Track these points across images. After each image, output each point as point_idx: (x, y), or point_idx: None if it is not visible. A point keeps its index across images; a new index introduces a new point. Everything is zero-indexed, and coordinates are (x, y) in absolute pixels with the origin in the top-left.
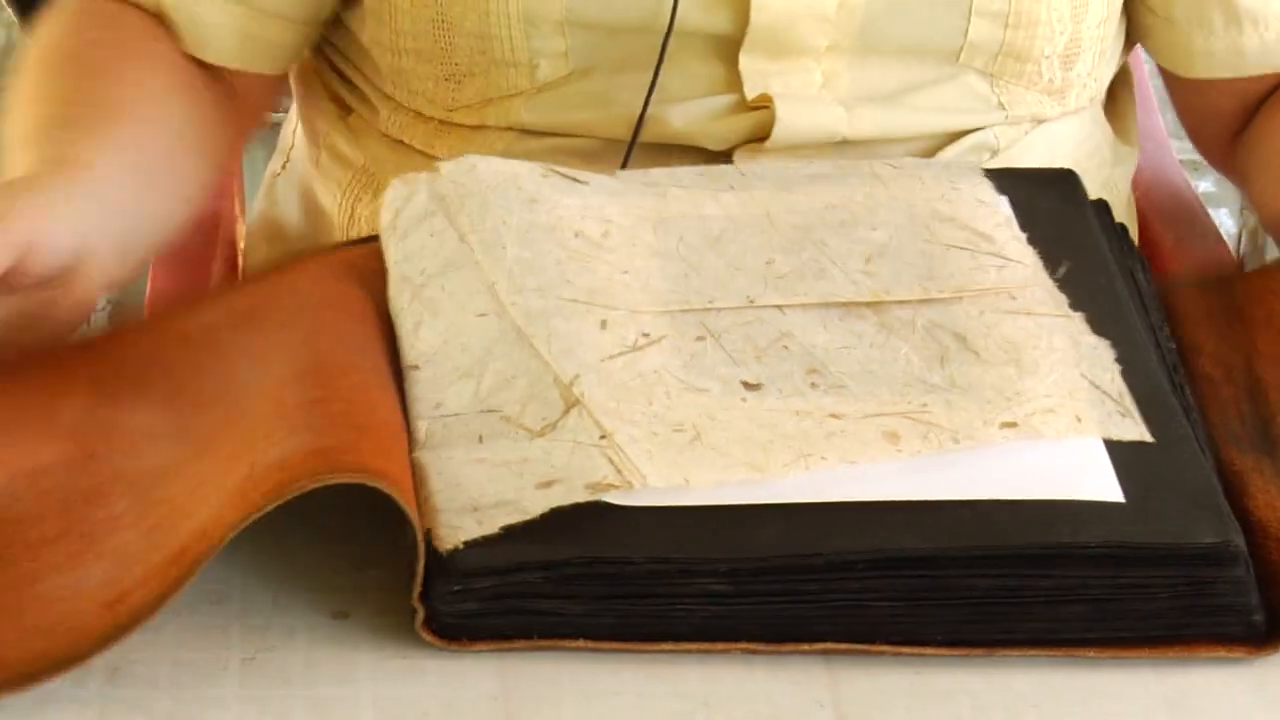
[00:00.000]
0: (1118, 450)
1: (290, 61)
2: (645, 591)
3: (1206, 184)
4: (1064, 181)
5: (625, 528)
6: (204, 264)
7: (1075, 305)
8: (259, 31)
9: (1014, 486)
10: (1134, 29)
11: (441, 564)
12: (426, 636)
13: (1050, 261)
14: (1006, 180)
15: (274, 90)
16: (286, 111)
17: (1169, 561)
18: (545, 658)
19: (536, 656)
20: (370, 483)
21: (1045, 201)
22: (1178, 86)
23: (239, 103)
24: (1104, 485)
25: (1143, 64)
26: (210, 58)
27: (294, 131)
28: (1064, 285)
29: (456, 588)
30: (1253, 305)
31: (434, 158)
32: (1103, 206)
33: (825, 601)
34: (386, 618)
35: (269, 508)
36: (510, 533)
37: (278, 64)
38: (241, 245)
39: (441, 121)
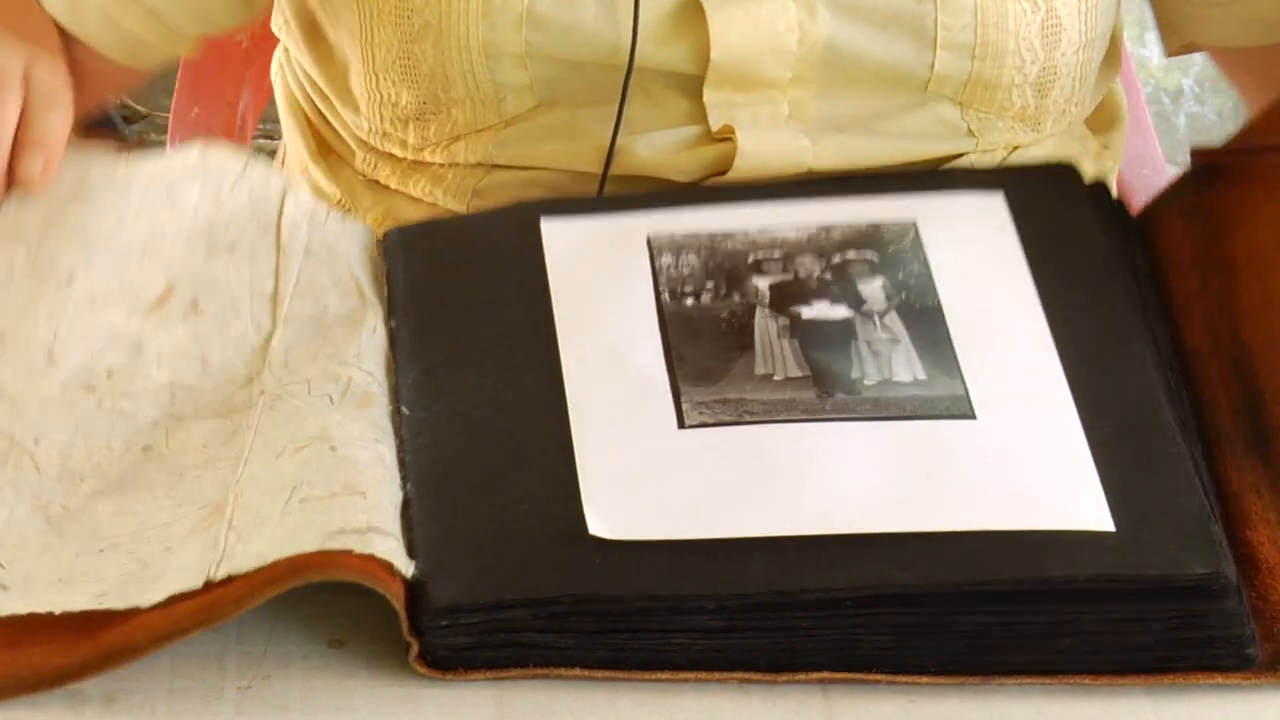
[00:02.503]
0: (1109, 473)
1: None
2: (637, 626)
3: None
4: (1061, 175)
5: (613, 563)
6: None
7: (1073, 313)
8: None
9: (1004, 516)
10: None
11: (429, 599)
12: (421, 670)
13: (1046, 263)
14: (1002, 178)
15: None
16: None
17: (1160, 595)
18: (541, 686)
19: (533, 685)
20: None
21: (1042, 198)
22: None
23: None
24: (1095, 514)
25: (1139, 88)
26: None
27: (283, 151)
28: (1062, 292)
29: (444, 623)
30: (1233, 236)
31: (408, 195)
32: (1100, 191)
33: (817, 635)
34: (383, 646)
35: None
36: (497, 567)
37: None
38: None
39: (413, 161)
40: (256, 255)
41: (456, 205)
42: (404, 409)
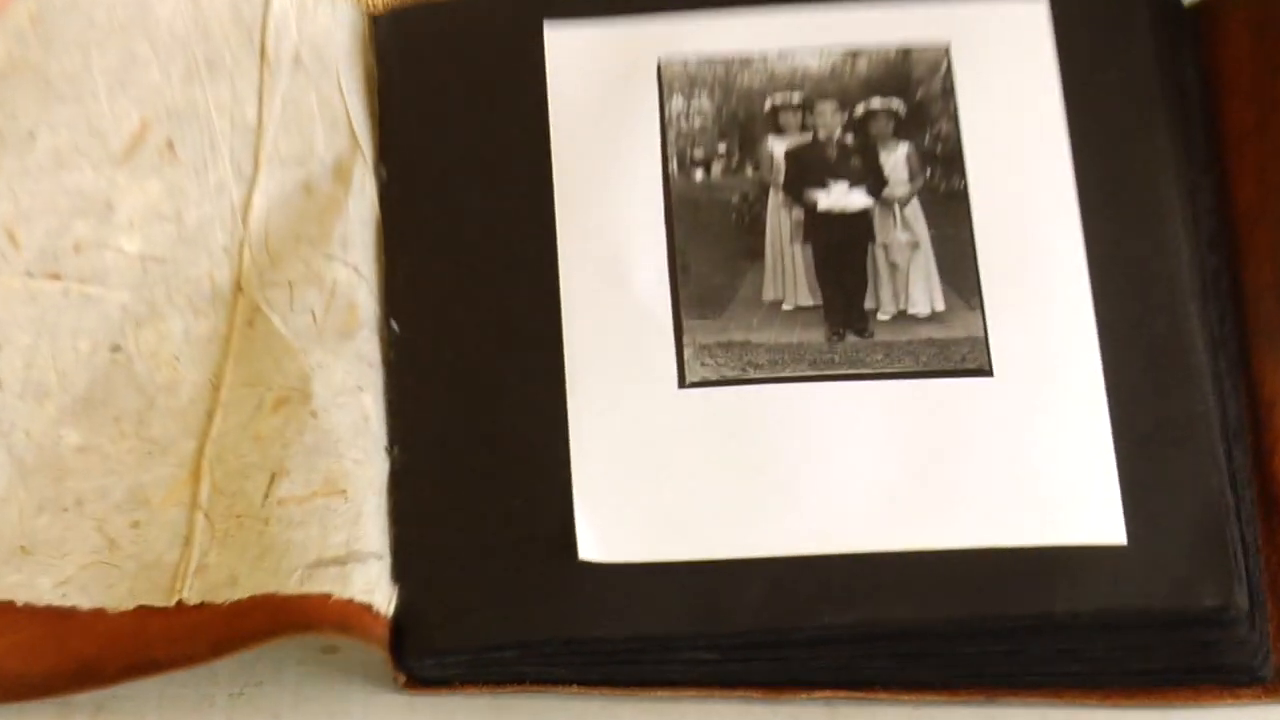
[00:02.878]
0: (1127, 453)
1: None
2: (631, 660)
3: None
4: None
5: (598, 596)
6: None
7: (1108, 186)
8: None
9: (1013, 530)
10: None
11: (412, 641)
12: (413, 692)
13: (1085, 106)
14: None
15: None
16: None
17: (1168, 625)
18: (538, 696)
19: (529, 695)
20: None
21: (1091, 7)
22: None
23: None
24: (1108, 525)
25: None
26: None
27: None
28: (1100, 149)
29: (429, 661)
30: None
31: None
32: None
33: (816, 663)
34: (377, 652)
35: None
36: (483, 604)
37: None
38: None
39: None
40: (238, 72)
41: None
42: (394, 324)
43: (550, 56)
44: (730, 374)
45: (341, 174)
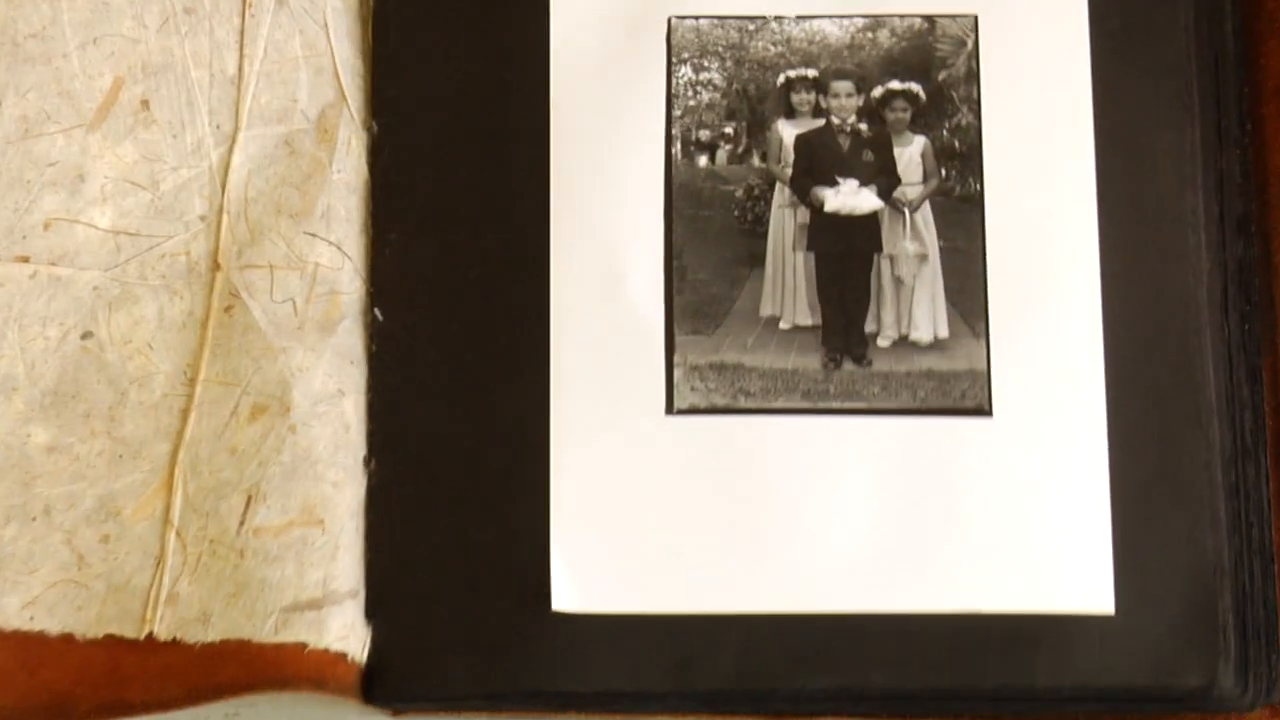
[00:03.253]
0: (1122, 510)
1: None
2: (604, 708)
3: None
4: None
5: (569, 649)
6: None
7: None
8: None
9: (999, 594)
10: None
11: (381, 687)
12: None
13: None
14: None
15: None
16: None
17: (1152, 700)
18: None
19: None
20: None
21: None
22: None
23: None
24: (1097, 590)
25: None
26: None
27: None
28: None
29: (400, 705)
30: None
31: None
32: None
33: (795, 716)
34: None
35: None
36: (453, 654)
37: None
38: None
39: None
40: (218, 17)
41: None
42: (378, 313)
43: (555, 4)
44: (720, 401)
45: (326, 130)
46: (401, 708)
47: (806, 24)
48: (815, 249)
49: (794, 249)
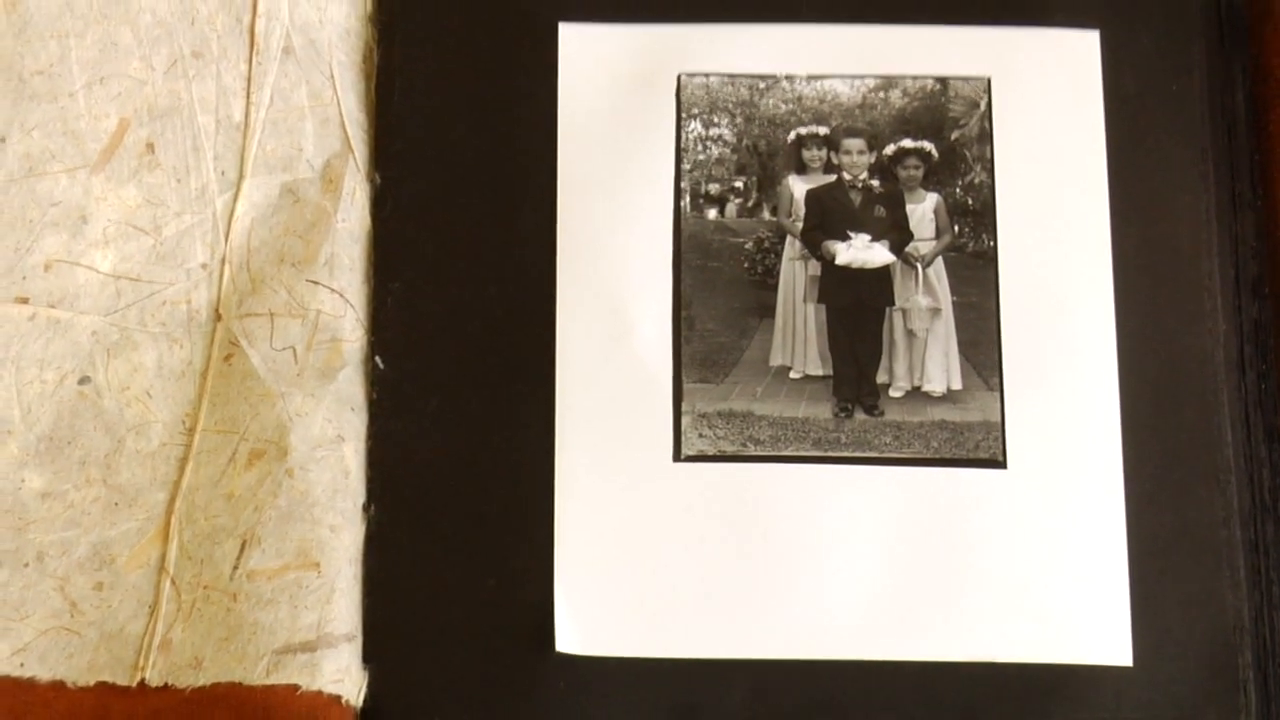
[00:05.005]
0: (1140, 562)
1: None
2: None
3: None
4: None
5: (572, 692)
6: None
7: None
8: None
9: (1013, 644)
10: None
11: None
12: None
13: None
14: (1103, 13)
15: None
16: None
17: None
18: None
19: None
20: None
21: (1143, 36)
22: None
23: None
24: (1115, 643)
25: None
26: None
27: None
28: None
29: None
30: None
31: None
32: (1211, 11)
33: None
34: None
35: None
36: (448, 694)
37: None
38: None
39: None
40: (225, 63)
41: None
42: (379, 361)
43: (564, 58)
44: (729, 448)
45: (331, 180)
46: None
47: (818, 83)
48: (826, 301)
49: (805, 300)
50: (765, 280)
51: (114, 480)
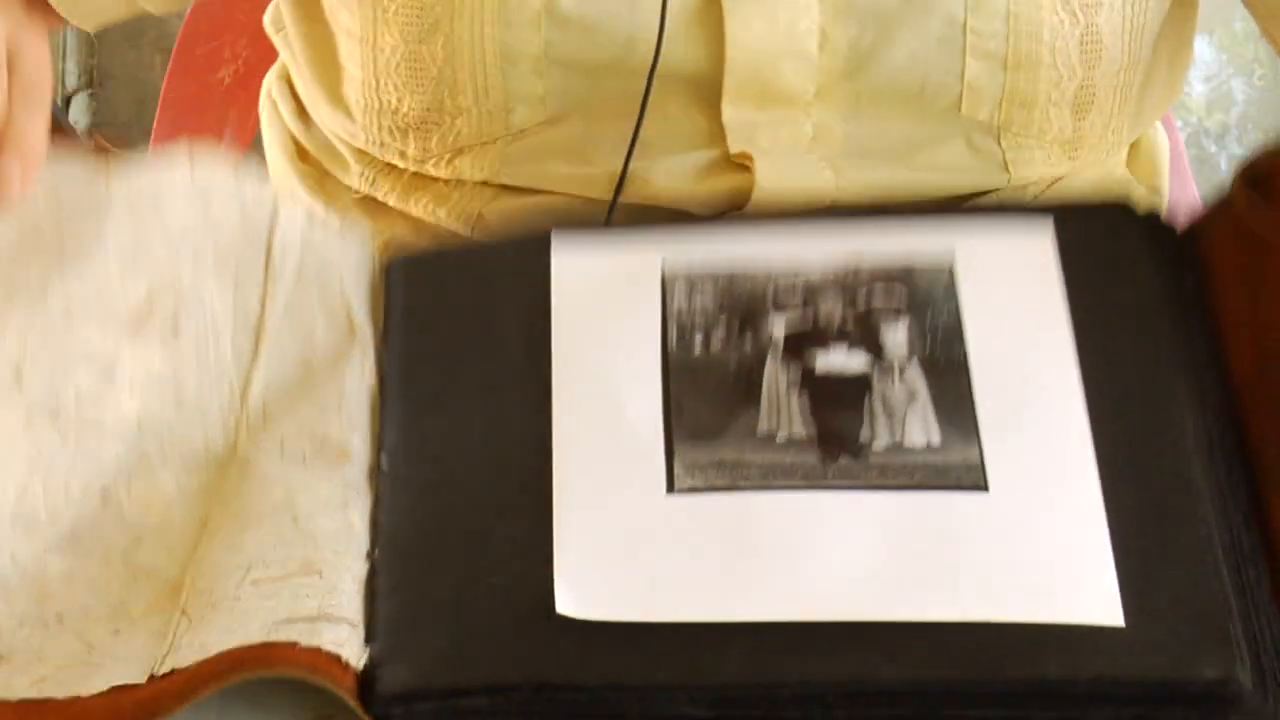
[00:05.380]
0: (1125, 559)
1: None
2: (612, 713)
3: None
4: (1114, 208)
5: (578, 648)
6: None
7: (1112, 368)
8: None
9: (1007, 607)
10: None
11: (382, 684)
12: None
13: (1089, 309)
14: (1054, 214)
15: None
16: None
17: (1169, 699)
18: None
19: None
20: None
21: (1093, 233)
22: None
23: None
24: (1105, 607)
25: (1177, 131)
26: None
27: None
28: (1101, 347)
29: (398, 711)
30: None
31: (409, 215)
32: (1156, 223)
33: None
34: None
35: None
36: (455, 650)
37: None
38: None
39: (415, 174)
40: (244, 277)
41: (460, 228)
42: (384, 462)
43: (556, 270)
44: (720, 484)
45: (340, 359)
46: (399, 709)
47: (792, 265)
48: (808, 391)
49: (787, 392)
50: (750, 380)
51: (133, 563)
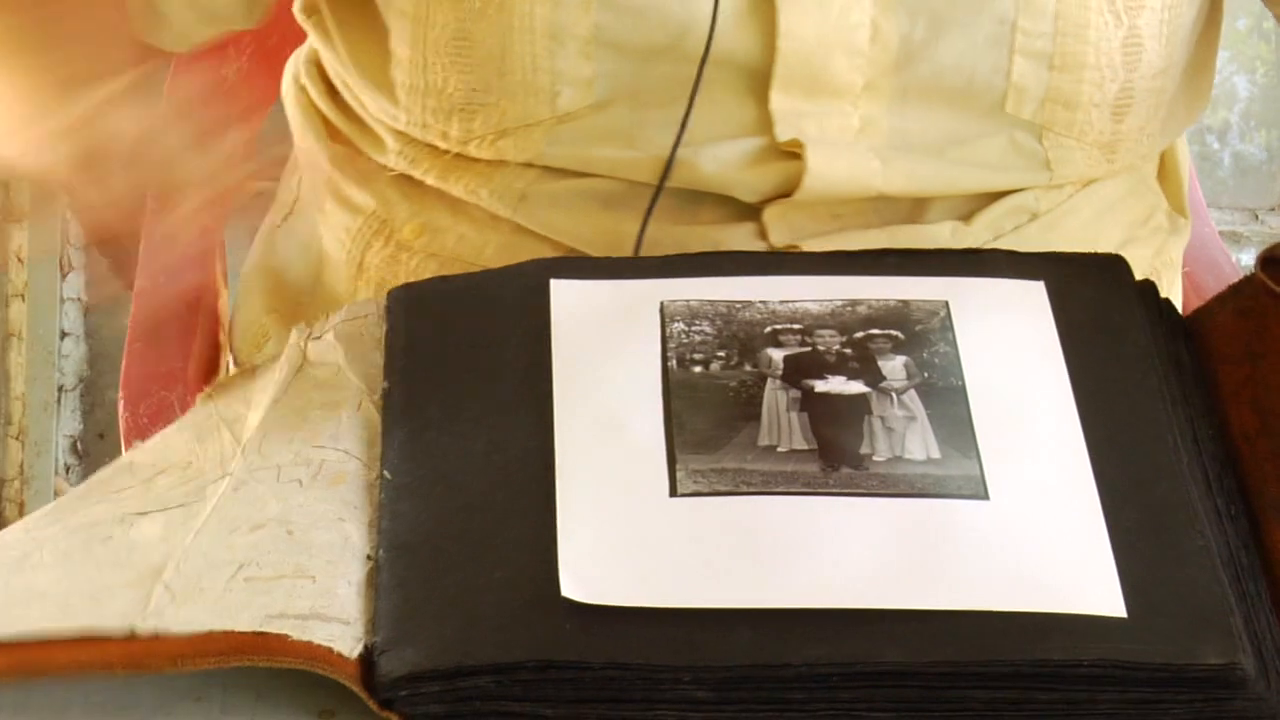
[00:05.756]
0: (1126, 560)
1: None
2: (617, 696)
3: (1247, 257)
4: (1110, 266)
5: (583, 629)
6: (185, 338)
7: (1106, 402)
8: None
9: (1009, 597)
10: None
11: (386, 668)
12: None
13: (1082, 353)
14: (1045, 265)
15: None
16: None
17: (1174, 683)
18: None
19: None
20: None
21: (1085, 289)
22: None
23: None
24: (1106, 599)
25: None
26: None
27: (297, 184)
28: (1097, 384)
29: (404, 692)
30: None
31: (449, 195)
32: (1148, 288)
33: (814, 710)
34: (376, 715)
35: None
36: (460, 634)
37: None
38: (225, 318)
39: (457, 155)
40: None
41: (503, 209)
42: (386, 473)
43: (555, 300)
44: (722, 488)
45: (335, 403)
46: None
47: (790, 305)
48: (808, 410)
49: (787, 411)
50: (750, 400)
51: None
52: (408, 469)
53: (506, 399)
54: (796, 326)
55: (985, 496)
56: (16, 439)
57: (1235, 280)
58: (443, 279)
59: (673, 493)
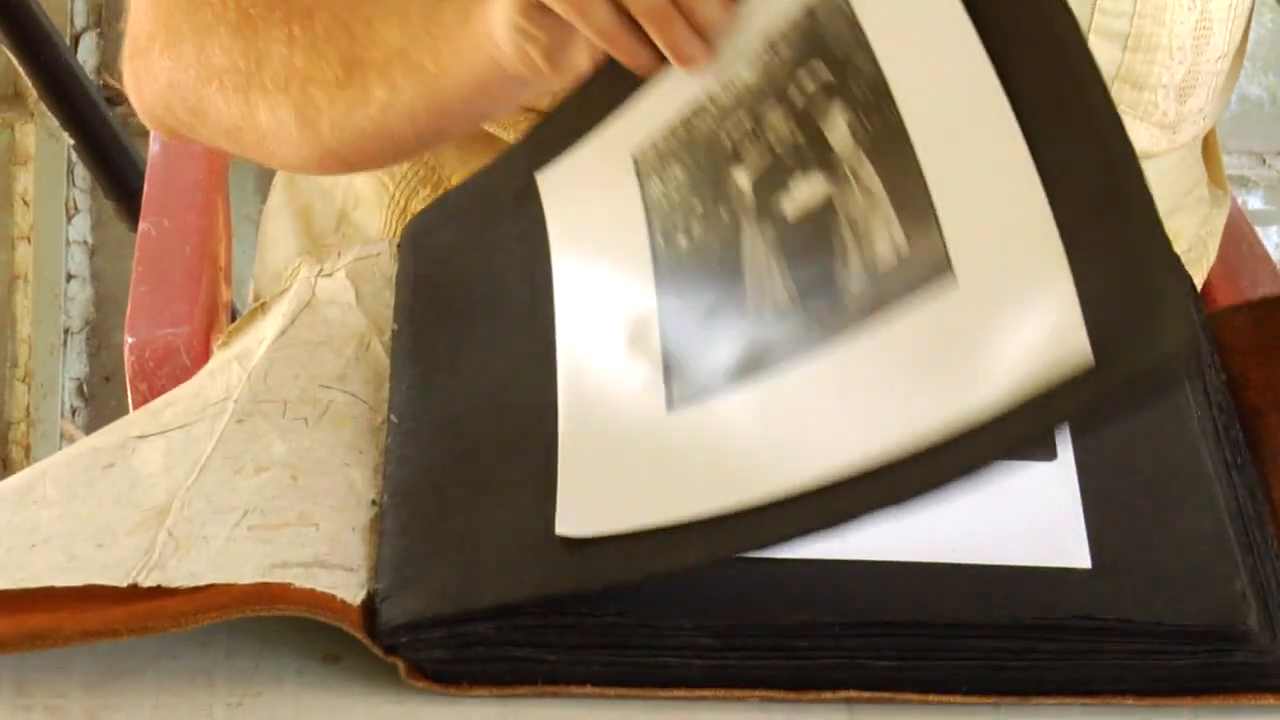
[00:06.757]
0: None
1: None
2: (621, 643)
3: (1255, 200)
4: None
5: (583, 570)
6: (190, 281)
7: None
8: None
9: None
10: None
11: (388, 616)
12: (419, 684)
13: None
14: None
15: None
16: None
17: (1177, 634)
18: (549, 702)
19: (540, 701)
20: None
21: None
22: None
23: None
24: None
25: None
26: None
27: None
28: None
29: (404, 639)
30: None
31: (501, 142)
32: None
33: (819, 659)
34: (380, 661)
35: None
36: (460, 579)
37: None
38: (223, 263)
39: None
40: None
41: None
42: (393, 417)
43: (546, 198)
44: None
45: (345, 339)
46: (405, 638)
47: (730, 89)
48: (785, 250)
49: (767, 259)
50: (735, 260)
51: (124, 500)
52: (413, 413)
53: (509, 333)
54: (748, 123)
55: (955, 285)
56: (23, 381)
57: (1241, 224)
58: (441, 201)
59: (670, 407)
